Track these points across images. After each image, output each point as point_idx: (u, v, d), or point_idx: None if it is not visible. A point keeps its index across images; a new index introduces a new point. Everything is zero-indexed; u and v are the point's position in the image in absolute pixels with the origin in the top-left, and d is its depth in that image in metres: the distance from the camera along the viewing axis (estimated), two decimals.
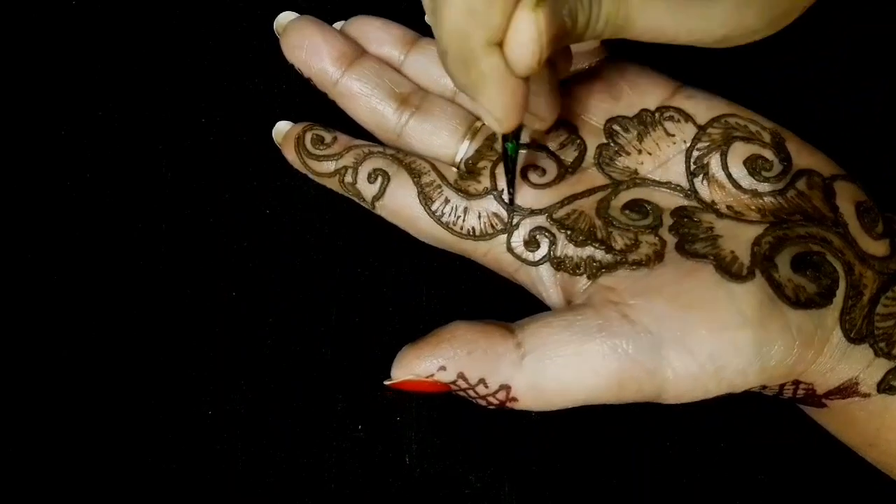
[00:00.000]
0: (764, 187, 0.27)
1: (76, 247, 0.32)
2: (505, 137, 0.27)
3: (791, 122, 0.29)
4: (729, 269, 0.25)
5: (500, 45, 0.22)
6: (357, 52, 0.31)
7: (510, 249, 0.28)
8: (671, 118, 0.29)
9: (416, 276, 0.32)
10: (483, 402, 0.26)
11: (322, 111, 0.32)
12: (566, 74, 0.28)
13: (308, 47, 0.31)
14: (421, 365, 0.25)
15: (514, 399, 0.25)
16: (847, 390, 0.26)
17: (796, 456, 0.30)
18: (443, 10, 0.21)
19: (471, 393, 0.26)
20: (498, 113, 0.24)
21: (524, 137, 0.29)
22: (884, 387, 0.26)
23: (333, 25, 0.32)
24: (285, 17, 0.32)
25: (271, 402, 0.31)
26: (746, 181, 0.28)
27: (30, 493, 0.30)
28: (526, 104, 0.24)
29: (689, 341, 0.25)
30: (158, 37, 0.35)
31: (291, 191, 0.33)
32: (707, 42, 0.24)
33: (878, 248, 0.27)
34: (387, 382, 0.26)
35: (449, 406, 0.30)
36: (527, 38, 0.21)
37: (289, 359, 0.31)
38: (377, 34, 0.32)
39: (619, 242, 0.27)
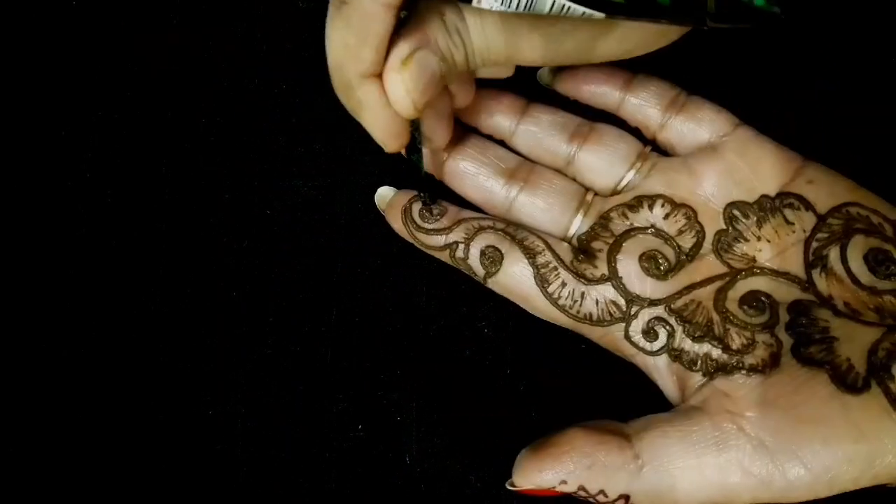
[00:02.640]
0: (884, 285, 0.27)
1: (76, 247, 0.32)
2: (409, 151, 0.29)
3: (801, 130, 0.29)
4: (844, 380, 0.25)
5: (379, 76, 0.25)
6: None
7: (628, 338, 0.28)
8: (791, 205, 0.28)
9: (416, 276, 0.32)
10: None
11: (324, 112, 0.32)
12: (467, 101, 0.30)
13: None
14: (543, 477, 0.26)
15: None
16: None
17: None
18: (327, 39, 0.25)
19: (590, 501, 0.26)
20: (378, 136, 0.27)
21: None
22: None
23: None
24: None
25: (271, 402, 0.31)
26: (866, 277, 0.27)
27: (30, 493, 0.30)
28: (405, 133, 0.27)
29: (804, 455, 0.25)
30: (158, 37, 0.35)
31: (291, 191, 0.33)
32: (570, 63, 0.28)
33: None
34: (510, 487, 0.26)
35: (449, 406, 0.30)
36: (398, 94, 0.25)
37: (289, 359, 0.31)
38: (487, 103, 0.31)
39: (737, 342, 0.27)
